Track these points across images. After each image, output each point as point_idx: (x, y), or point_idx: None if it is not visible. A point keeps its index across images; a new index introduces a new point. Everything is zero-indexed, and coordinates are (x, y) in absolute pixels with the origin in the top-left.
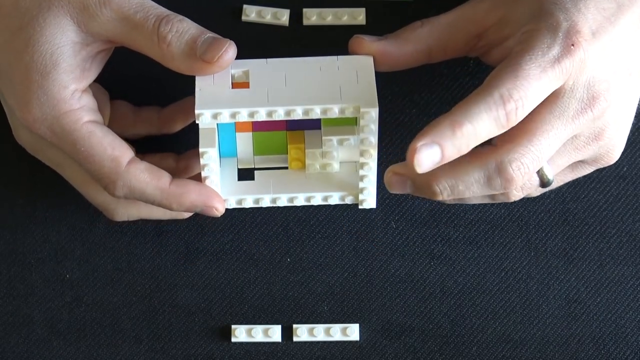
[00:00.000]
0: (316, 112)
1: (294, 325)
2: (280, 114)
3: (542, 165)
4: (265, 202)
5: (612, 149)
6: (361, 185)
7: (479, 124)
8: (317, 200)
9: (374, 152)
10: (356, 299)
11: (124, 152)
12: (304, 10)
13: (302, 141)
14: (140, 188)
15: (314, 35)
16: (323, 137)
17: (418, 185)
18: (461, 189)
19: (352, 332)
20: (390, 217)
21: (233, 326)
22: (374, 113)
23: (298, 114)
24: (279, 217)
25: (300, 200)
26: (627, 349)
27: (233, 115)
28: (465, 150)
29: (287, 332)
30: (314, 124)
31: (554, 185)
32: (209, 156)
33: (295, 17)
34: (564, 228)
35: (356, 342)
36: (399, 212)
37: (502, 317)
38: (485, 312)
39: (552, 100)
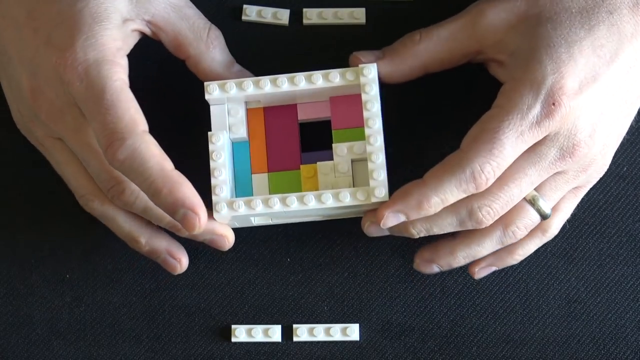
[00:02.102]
0: (318, 77)
1: (294, 325)
2: (284, 80)
3: (511, 206)
4: (275, 202)
5: (602, 169)
6: (371, 168)
7: (447, 196)
8: (328, 197)
9: (378, 121)
10: (356, 299)
11: (142, 120)
12: (304, 10)
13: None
14: (145, 157)
15: (314, 35)
16: (333, 145)
17: (395, 230)
18: (435, 230)
19: (352, 332)
20: None
21: (233, 326)
22: (372, 68)
23: (301, 79)
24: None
25: (310, 198)
26: (627, 349)
27: (239, 84)
28: (432, 214)
29: (287, 332)
30: (326, 156)
31: (567, 217)
32: (218, 138)
33: (295, 17)
34: (564, 228)
35: (356, 342)
36: None
37: (502, 317)
38: (485, 312)
39: (530, 148)
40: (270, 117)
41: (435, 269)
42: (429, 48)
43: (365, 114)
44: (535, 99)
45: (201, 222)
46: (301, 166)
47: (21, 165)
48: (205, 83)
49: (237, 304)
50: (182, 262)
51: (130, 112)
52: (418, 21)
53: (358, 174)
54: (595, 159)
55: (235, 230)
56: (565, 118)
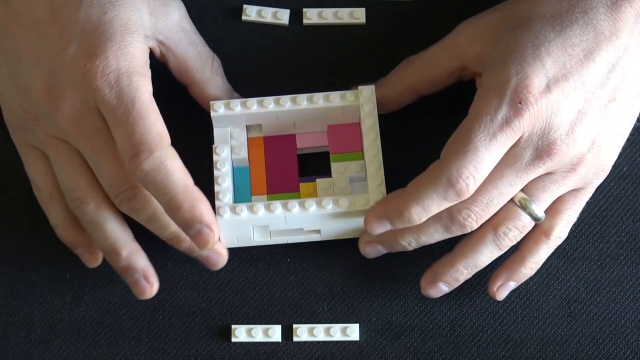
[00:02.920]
0: (319, 97)
1: (294, 325)
2: (286, 99)
3: (497, 208)
4: (277, 206)
5: (600, 170)
6: (369, 175)
7: (428, 205)
8: (329, 202)
9: (375, 134)
10: (356, 299)
11: (168, 135)
12: (304, 10)
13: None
14: (170, 170)
15: (314, 35)
16: (332, 164)
17: (388, 245)
18: (425, 240)
19: (352, 332)
20: None
21: (233, 326)
22: (370, 89)
23: (302, 99)
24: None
25: (311, 203)
26: (627, 349)
27: (244, 103)
28: (417, 222)
29: (287, 332)
30: (324, 173)
31: (572, 220)
32: (222, 149)
33: (295, 17)
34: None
35: (356, 342)
36: None
37: (502, 317)
38: (485, 312)
39: (507, 151)
40: (270, 146)
41: (442, 287)
42: (415, 71)
43: (364, 128)
44: (501, 100)
45: (214, 239)
46: (301, 184)
47: (21, 165)
48: (211, 102)
49: (237, 304)
50: (153, 287)
51: (158, 125)
52: (418, 21)
53: (355, 191)
54: (585, 159)
55: None
56: (535, 117)
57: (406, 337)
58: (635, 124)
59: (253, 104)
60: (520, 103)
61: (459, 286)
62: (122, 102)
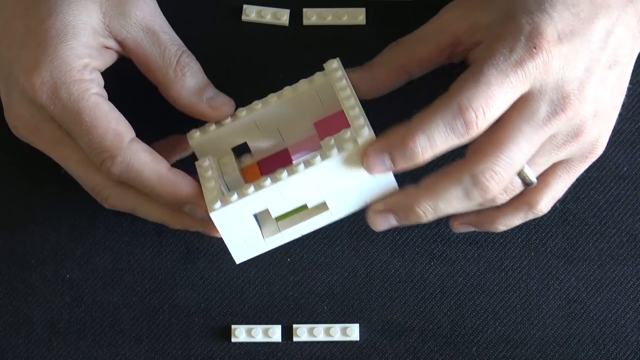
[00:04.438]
0: (288, 90)
1: (294, 325)
2: (257, 103)
3: (519, 169)
4: (265, 179)
5: (596, 141)
6: (351, 117)
7: (434, 134)
8: (317, 157)
9: (354, 98)
10: (356, 299)
11: (127, 130)
12: (304, 10)
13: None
14: (139, 167)
15: (314, 35)
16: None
17: (401, 214)
18: (442, 207)
19: (352, 332)
20: None
21: (233, 326)
22: (335, 62)
23: (272, 97)
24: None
25: (301, 167)
26: (627, 349)
27: (218, 122)
28: (420, 161)
29: (287, 332)
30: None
31: (558, 196)
32: (203, 160)
33: (295, 17)
34: (564, 228)
35: (356, 342)
36: None
37: (502, 317)
38: (485, 312)
39: (521, 104)
40: (265, 168)
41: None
42: (404, 51)
43: (340, 98)
44: (515, 42)
45: (204, 211)
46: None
47: (21, 165)
48: (187, 134)
49: (237, 304)
50: (202, 211)
51: (112, 127)
52: (418, 21)
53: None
54: (587, 124)
55: None
56: (548, 65)
57: (406, 337)
58: (634, 123)
59: (227, 119)
60: (535, 48)
61: (459, 286)
62: (68, 115)
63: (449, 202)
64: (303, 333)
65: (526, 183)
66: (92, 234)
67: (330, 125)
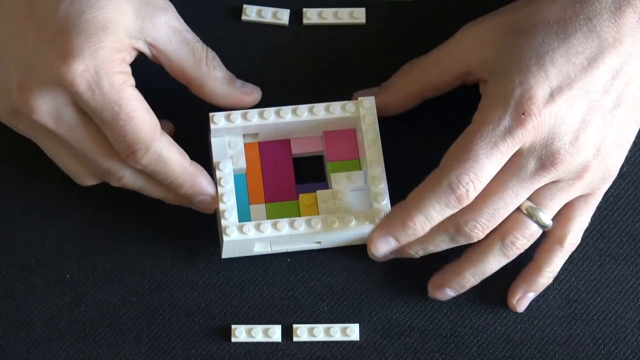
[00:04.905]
0: (320, 109)
1: (294, 325)
2: (286, 111)
3: (503, 217)
4: (284, 225)
5: (604, 174)
6: (374, 192)
7: (430, 213)
8: (334, 221)
9: (378, 148)
10: (356, 299)
11: (158, 123)
12: (304, 10)
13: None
14: (168, 158)
15: (314, 35)
16: (331, 174)
17: (397, 252)
18: (432, 249)
19: (352, 332)
20: None
21: (233, 326)
22: (371, 100)
23: (303, 110)
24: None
25: (317, 221)
26: (627, 349)
27: (244, 115)
28: (421, 233)
29: (287, 332)
30: (323, 187)
31: (584, 226)
32: (225, 165)
33: (295, 17)
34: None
35: (356, 342)
36: None
37: (502, 317)
38: (485, 312)
39: (509, 161)
40: (265, 151)
41: (449, 292)
42: (420, 75)
43: (365, 141)
44: (505, 110)
45: (215, 204)
46: (300, 195)
47: (21, 165)
48: (211, 114)
49: (237, 304)
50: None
51: (148, 119)
52: (418, 21)
53: (356, 203)
54: (590, 166)
55: None
56: (538, 127)
57: (406, 337)
58: None
59: (253, 116)
60: (523, 114)
61: None
62: (108, 105)
63: (437, 245)
64: (303, 333)
65: (542, 227)
66: (92, 234)
67: (339, 138)
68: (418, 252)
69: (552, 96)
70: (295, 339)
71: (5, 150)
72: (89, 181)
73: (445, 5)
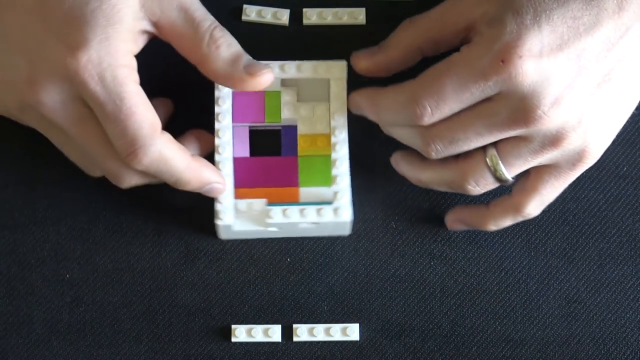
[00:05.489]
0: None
1: (294, 325)
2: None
3: (460, 150)
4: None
5: (583, 151)
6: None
7: (386, 112)
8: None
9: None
10: (356, 299)
11: (159, 120)
12: (304, 10)
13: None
14: (170, 156)
15: (314, 35)
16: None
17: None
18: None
19: (352, 332)
20: (390, 217)
21: (233, 326)
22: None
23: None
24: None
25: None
26: (627, 349)
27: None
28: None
29: (287, 332)
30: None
31: (547, 200)
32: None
33: (295, 17)
34: (564, 228)
35: (356, 342)
36: (399, 212)
37: (502, 317)
38: (485, 312)
39: (483, 101)
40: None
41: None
42: (421, 32)
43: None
44: (487, 52)
45: (224, 189)
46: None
47: (21, 165)
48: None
49: (237, 304)
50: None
51: (149, 116)
52: None
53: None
54: (568, 135)
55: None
56: (516, 79)
57: (406, 337)
58: (634, 123)
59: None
60: (502, 61)
61: (459, 286)
62: (110, 98)
63: (401, 138)
64: (303, 333)
65: (500, 180)
66: (92, 234)
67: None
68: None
69: (540, 52)
70: (295, 339)
71: (5, 150)
72: (99, 173)
73: None
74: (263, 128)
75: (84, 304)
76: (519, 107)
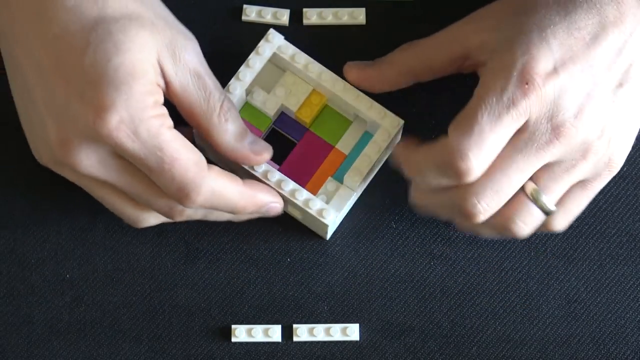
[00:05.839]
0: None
1: (294, 325)
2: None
3: (509, 196)
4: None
5: (609, 160)
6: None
7: (428, 178)
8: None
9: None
10: (356, 299)
11: (203, 158)
12: (304, 10)
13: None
14: (222, 189)
15: (314, 35)
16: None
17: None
18: (433, 211)
19: (352, 332)
20: (390, 217)
21: (233, 326)
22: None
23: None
24: (279, 217)
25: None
26: (627, 349)
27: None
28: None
29: (287, 332)
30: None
31: (574, 214)
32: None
33: (295, 17)
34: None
35: (356, 342)
36: (399, 212)
37: (502, 317)
38: (485, 312)
39: (514, 135)
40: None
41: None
42: (416, 55)
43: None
44: (508, 81)
45: (281, 207)
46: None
47: (21, 165)
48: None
49: (237, 304)
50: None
51: (192, 157)
52: (418, 21)
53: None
54: (594, 145)
55: (235, 230)
56: (542, 99)
57: (406, 337)
58: None
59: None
60: (527, 84)
61: (459, 286)
62: (150, 152)
63: (438, 211)
64: (303, 333)
65: (545, 212)
66: (92, 234)
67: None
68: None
69: (555, 68)
70: (295, 338)
71: (5, 150)
72: (148, 221)
73: (446, 5)
74: (266, 136)
75: (84, 304)
76: (549, 128)
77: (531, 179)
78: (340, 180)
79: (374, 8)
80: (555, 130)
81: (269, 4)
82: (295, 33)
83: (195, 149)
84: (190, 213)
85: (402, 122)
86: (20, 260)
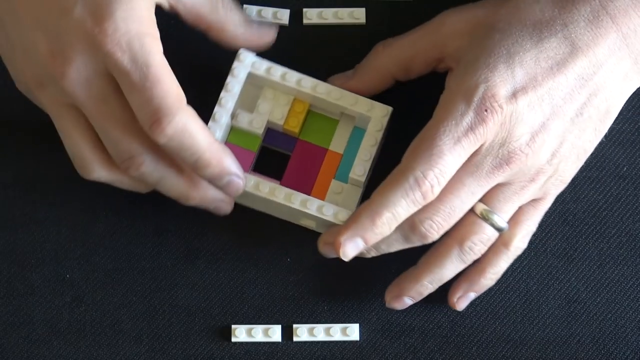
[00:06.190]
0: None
1: (294, 325)
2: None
3: (459, 217)
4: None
5: (560, 181)
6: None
7: (397, 210)
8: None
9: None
10: (356, 299)
11: (184, 95)
12: (304, 10)
13: None
14: (194, 130)
15: (314, 35)
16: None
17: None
18: (384, 248)
19: (352, 332)
20: None
21: (233, 326)
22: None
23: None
24: (279, 217)
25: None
26: (627, 349)
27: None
28: (388, 232)
29: (287, 332)
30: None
31: (531, 230)
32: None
33: (295, 17)
34: (564, 228)
35: (356, 342)
36: None
37: (502, 317)
38: (485, 312)
39: (468, 158)
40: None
41: (407, 301)
42: (392, 56)
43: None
44: (468, 106)
45: (243, 185)
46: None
47: (21, 164)
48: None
49: (237, 304)
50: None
51: (175, 87)
52: (418, 21)
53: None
54: (543, 169)
55: (235, 230)
56: (499, 125)
57: (406, 337)
58: (634, 122)
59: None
60: (486, 111)
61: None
62: (136, 66)
63: (390, 244)
64: (303, 333)
65: (498, 230)
66: (92, 234)
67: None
68: (370, 252)
69: (514, 95)
70: (295, 338)
71: (5, 150)
72: (96, 172)
73: (445, 5)
74: (258, 156)
75: (84, 303)
76: (501, 153)
77: (483, 198)
78: (343, 180)
79: (374, 8)
80: (506, 156)
81: (269, 4)
82: (295, 33)
83: (178, 84)
84: (145, 169)
85: (390, 109)
86: (20, 260)
